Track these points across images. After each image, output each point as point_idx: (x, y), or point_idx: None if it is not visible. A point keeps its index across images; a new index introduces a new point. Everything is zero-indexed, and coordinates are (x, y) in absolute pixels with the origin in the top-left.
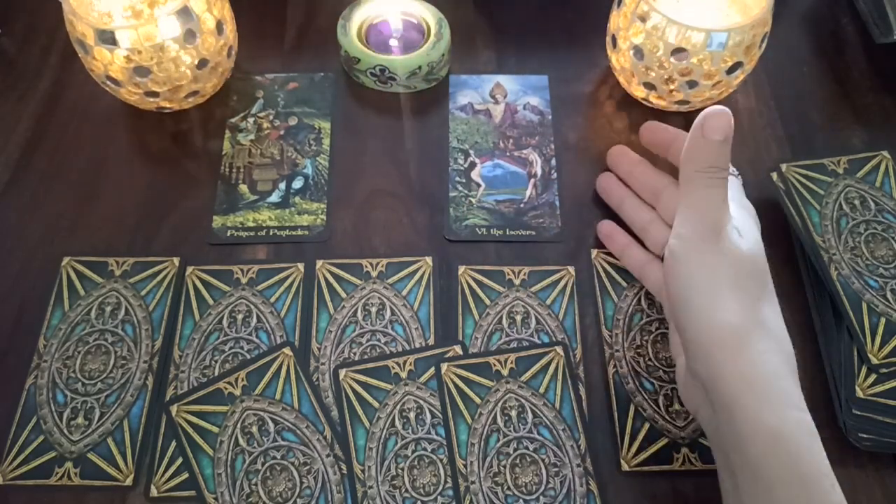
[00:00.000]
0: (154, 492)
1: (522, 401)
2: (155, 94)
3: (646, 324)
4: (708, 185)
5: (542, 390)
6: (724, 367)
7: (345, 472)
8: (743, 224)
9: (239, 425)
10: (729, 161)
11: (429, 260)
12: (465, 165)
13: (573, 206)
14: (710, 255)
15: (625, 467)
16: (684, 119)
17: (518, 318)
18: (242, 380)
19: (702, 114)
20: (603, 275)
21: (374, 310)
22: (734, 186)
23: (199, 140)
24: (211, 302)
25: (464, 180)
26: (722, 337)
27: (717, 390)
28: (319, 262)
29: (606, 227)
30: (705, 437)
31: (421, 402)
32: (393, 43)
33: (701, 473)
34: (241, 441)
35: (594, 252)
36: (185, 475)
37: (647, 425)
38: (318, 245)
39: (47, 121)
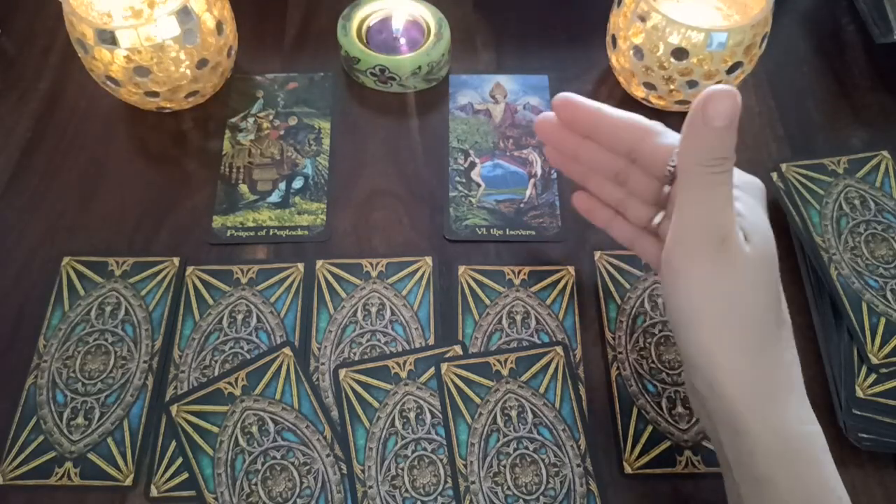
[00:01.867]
0: (154, 492)
1: (522, 401)
2: (155, 94)
3: (649, 326)
4: (711, 183)
5: (542, 390)
6: (727, 388)
7: (345, 472)
8: (749, 219)
9: (239, 425)
10: (734, 149)
11: (429, 260)
12: (465, 165)
13: (573, 206)
14: (714, 273)
15: (627, 470)
16: (684, 119)
17: (518, 318)
18: (242, 380)
19: (701, 95)
20: (606, 276)
21: (374, 310)
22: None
23: (199, 140)
24: (211, 302)
25: (464, 180)
26: (724, 366)
27: (718, 408)
28: (319, 262)
29: (583, 202)
30: (708, 440)
31: (421, 402)
32: (393, 45)
33: (704, 476)
34: (241, 441)
35: (597, 254)
36: (185, 475)
37: (649, 428)
38: (318, 245)
39: (47, 121)
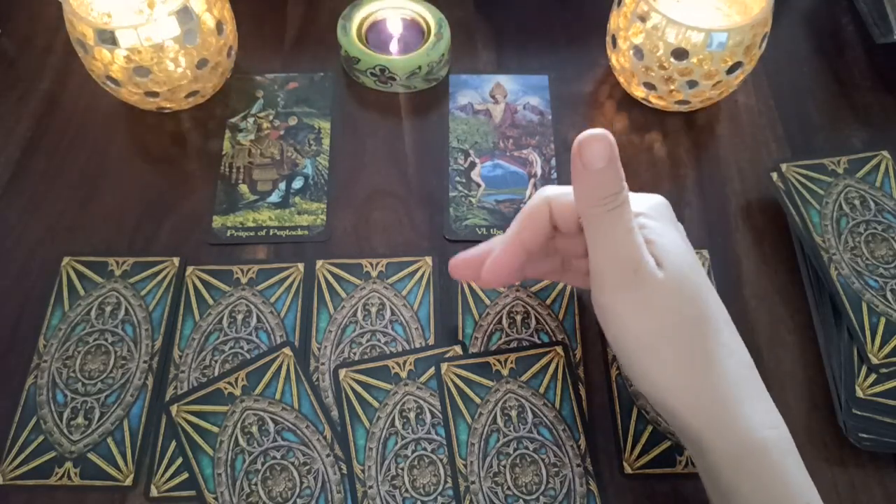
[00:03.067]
0: (154, 492)
1: (522, 401)
2: (155, 94)
3: None
4: (609, 220)
5: (541, 390)
6: (677, 408)
7: (345, 472)
8: (659, 243)
9: (239, 425)
10: (622, 181)
11: (429, 260)
12: (465, 165)
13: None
14: (635, 302)
15: (627, 470)
16: (684, 119)
17: (518, 318)
18: (242, 380)
19: (576, 142)
20: None
21: (374, 310)
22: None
23: (199, 140)
24: (211, 302)
25: (464, 180)
26: (671, 390)
27: (678, 427)
28: (319, 262)
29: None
30: None
31: (421, 402)
32: (393, 45)
33: None
34: (241, 441)
35: None
36: (185, 475)
37: (649, 428)
38: (318, 245)
39: (47, 121)
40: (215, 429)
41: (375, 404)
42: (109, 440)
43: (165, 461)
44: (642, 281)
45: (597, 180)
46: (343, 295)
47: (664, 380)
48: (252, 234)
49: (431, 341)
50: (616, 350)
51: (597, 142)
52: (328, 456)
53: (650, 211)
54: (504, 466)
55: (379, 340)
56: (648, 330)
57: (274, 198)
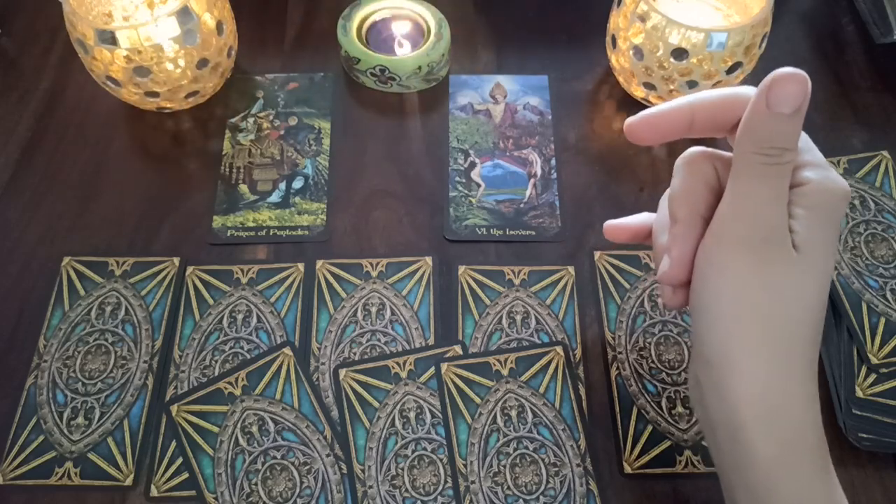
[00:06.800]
0: (154, 492)
1: (522, 400)
2: (155, 94)
3: (649, 326)
4: (764, 174)
5: (541, 390)
6: (736, 392)
7: (345, 471)
8: (804, 235)
9: (239, 425)
10: (797, 142)
11: (429, 260)
12: (465, 165)
13: (573, 206)
14: (751, 272)
15: (627, 470)
16: None
17: (518, 317)
18: (242, 380)
19: (768, 77)
20: (606, 276)
21: (374, 310)
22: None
23: (199, 140)
24: (211, 302)
25: (464, 180)
26: (740, 371)
27: (720, 411)
28: (319, 262)
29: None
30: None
31: (421, 401)
32: (393, 45)
33: (703, 476)
34: (241, 441)
35: (597, 254)
36: (185, 475)
37: (649, 428)
38: (318, 245)
39: (47, 121)
40: (215, 429)
41: (375, 404)
42: (109, 440)
43: (165, 461)
44: (769, 251)
45: (774, 126)
46: (343, 295)
47: (740, 356)
48: (252, 234)
49: (431, 341)
50: (701, 308)
51: (794, 83)
52: (328, 456)
53: (821, 196)
54: (504, 466)
55: (379, 340)
56: (753, 304)
57: (274, 198)
